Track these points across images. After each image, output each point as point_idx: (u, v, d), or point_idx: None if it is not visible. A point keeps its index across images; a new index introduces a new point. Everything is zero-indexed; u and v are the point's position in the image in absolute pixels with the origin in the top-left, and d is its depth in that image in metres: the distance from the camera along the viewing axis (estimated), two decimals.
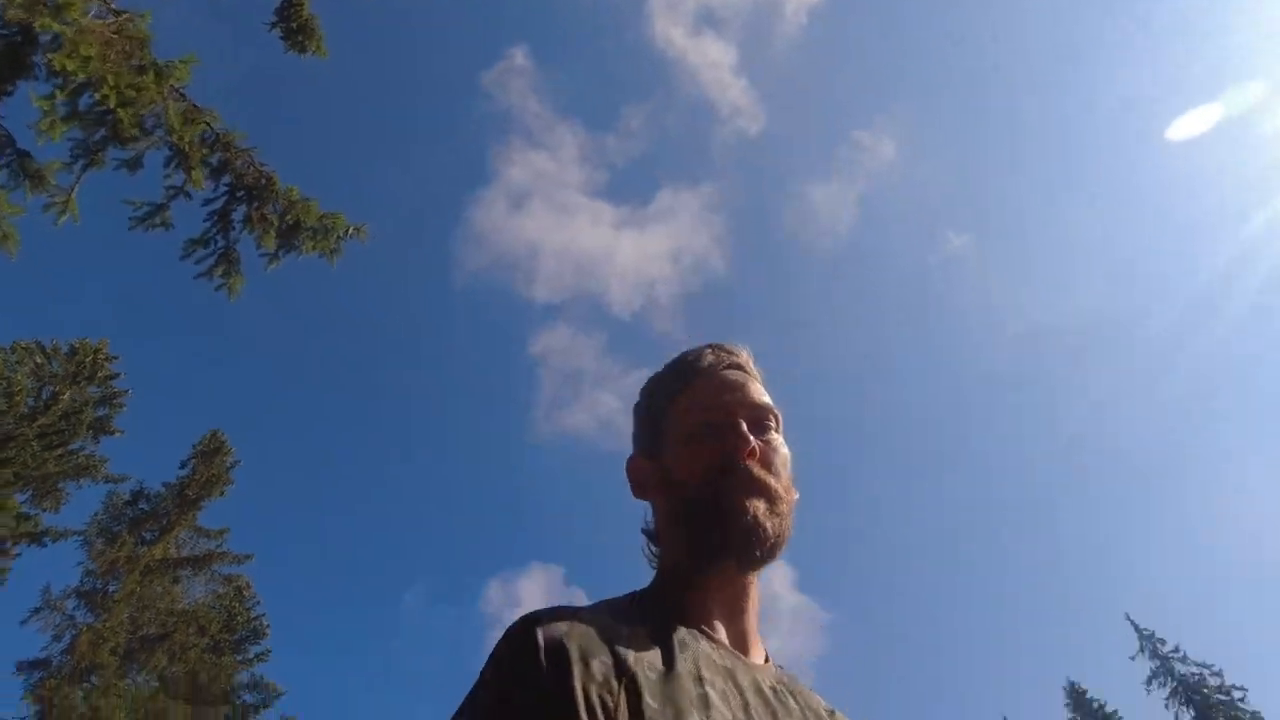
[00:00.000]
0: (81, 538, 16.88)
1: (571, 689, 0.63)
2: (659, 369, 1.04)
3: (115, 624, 15.80)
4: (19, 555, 14.66)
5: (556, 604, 0.76)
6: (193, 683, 15.92)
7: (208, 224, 6.85)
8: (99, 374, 16.85)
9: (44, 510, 15.27)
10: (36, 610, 16.26)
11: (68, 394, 15.94)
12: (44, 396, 15.72)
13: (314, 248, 7.07)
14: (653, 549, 0.98)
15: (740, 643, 0.87)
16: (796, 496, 0.93)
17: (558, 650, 0.67)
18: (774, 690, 0.81)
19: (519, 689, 0.65)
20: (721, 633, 0.85)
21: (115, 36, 5.68)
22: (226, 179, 6.76)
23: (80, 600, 16.57)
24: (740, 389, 0.96)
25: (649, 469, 0.98)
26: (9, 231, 5.95)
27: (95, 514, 17.68)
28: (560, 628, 0.70)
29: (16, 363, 15.52)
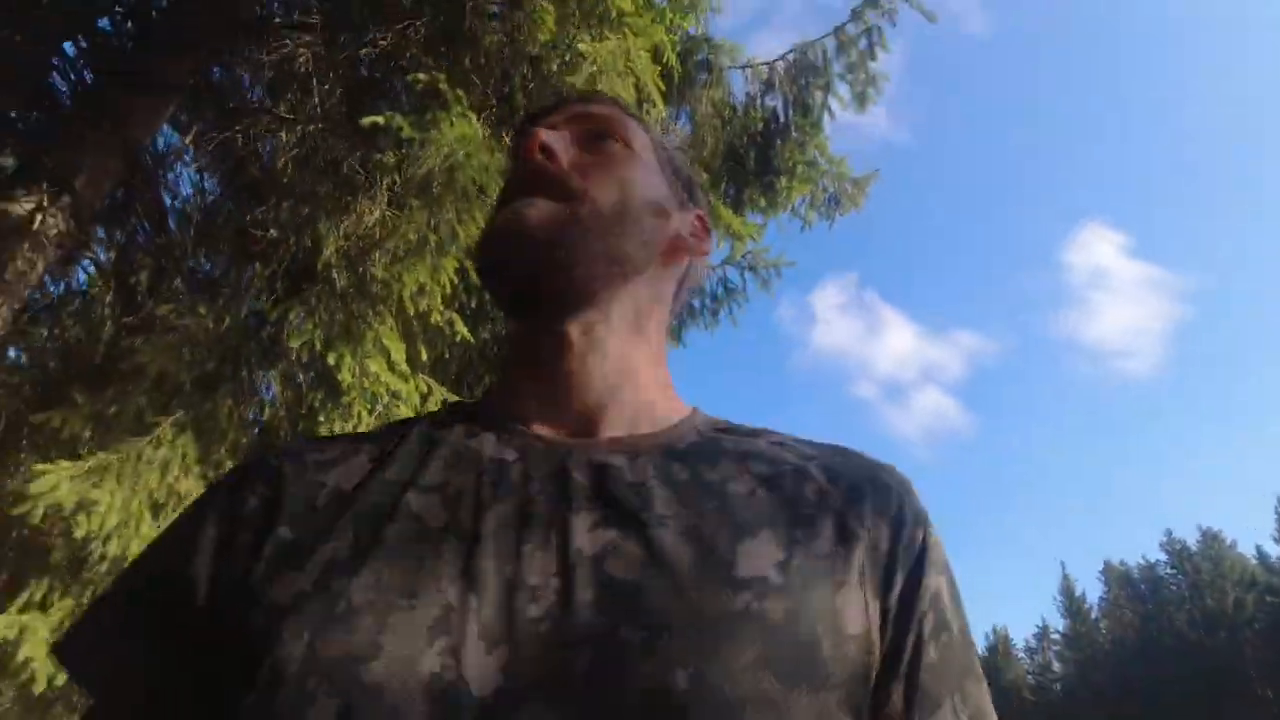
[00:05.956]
0: None
1: (190, 525, 0.57)
2: None
3: None
4: None
5: None
6: None
7: None
8: None
9: None
10: None
11: None
12: None
13: None
14: None
15: (579, 419, 0.62)
16: (652, 225, 0.67)
17: (220, 484, 0.61)
18: (598, 470, 0.57)
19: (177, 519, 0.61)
20: (537, 414, 0.62)
21: None
22: None
23: None
24: (559, 108, 0.72)
25: None
26: None
27: None
28: (250, 460, 0.62)
29: None
